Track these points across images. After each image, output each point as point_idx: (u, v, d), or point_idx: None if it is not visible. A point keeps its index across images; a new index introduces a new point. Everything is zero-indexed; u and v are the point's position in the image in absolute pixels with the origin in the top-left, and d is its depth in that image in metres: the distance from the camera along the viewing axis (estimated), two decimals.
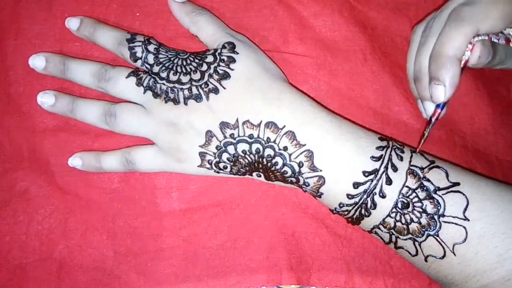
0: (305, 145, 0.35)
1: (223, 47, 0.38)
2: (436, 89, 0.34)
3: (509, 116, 0.44)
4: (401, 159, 0.35)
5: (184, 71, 0.37)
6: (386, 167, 0.34)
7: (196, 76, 0.37)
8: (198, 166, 0.38)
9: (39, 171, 0.40)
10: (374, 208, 0.34)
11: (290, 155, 0.35)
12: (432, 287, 0.39)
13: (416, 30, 0.39)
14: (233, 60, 0.37)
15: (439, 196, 0.34)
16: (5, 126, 0.41)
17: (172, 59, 0.38)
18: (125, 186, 0.40)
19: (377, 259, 0.40)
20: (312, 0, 0.43)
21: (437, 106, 0.36)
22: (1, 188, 0.40)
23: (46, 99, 0.40)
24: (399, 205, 0.34)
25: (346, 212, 0.36)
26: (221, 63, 0.37)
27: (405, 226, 0.34)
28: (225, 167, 0.37)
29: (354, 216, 0.36)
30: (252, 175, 0.38)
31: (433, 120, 0.36)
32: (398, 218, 0.34)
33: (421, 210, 0.34)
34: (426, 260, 0.35)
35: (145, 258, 0.39)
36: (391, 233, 0.35)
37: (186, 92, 0.37)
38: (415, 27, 0.40)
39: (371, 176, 0.34)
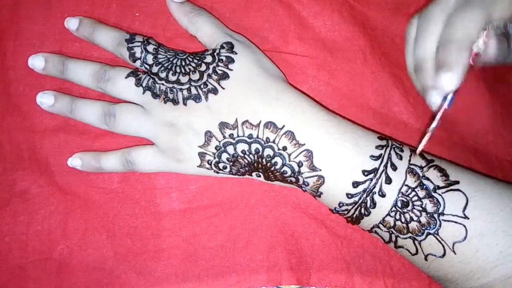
0: (304, 144, 0.35)
1: (222, 47, 0.38)
2: (444, 76, 0.31)
3: (509, 116, 0.44)
4: (401, 158, 0.35)
5: (183, 71, 0.37)
6: (386, 166, 0.34)
7: (195, 76, 0.37)
8: (197, 166, 0.38)
9: (39, 171, 0.40)
10: (374, 207, 0.34)
11: (289, 155, 0.35)
12: (432, 287, 0.39)
13: (411, 23, 0.37)
14: (232, 60, 0.37)
15: (439, 194, 0.34)
16: (5, 126, 0.41)
17: (171, 59, 0.38)
18: (125, 186, 0.41)
19: (377, 259, 0.40)
20: (312, 0, 0.43)
21: (443, 99, 0.32)
22: (1, 188, 0.40)
23: (45, 99, 0.40)
24: (399, 204, 0.34)
25: (345, 212, 0.36)
26: (219, 63, 0.37)
27: (404, 225, 0.34)
28: (225, 167, 0.37)
29: (354, 216, 0.36)
30: (251, 175, 0.38)
31: (438, 115, 0.33)
32: (397, 217, 0.34)
33: (420, 208, 0.33)
34: (426, 259, 0.34)
35: (145, 258, 0.39)
36: (391, 232, 0.35)
37: (185, 92, 0.37)
38: (410, 21, 0.37)
39: (371, 175, 0.34)
